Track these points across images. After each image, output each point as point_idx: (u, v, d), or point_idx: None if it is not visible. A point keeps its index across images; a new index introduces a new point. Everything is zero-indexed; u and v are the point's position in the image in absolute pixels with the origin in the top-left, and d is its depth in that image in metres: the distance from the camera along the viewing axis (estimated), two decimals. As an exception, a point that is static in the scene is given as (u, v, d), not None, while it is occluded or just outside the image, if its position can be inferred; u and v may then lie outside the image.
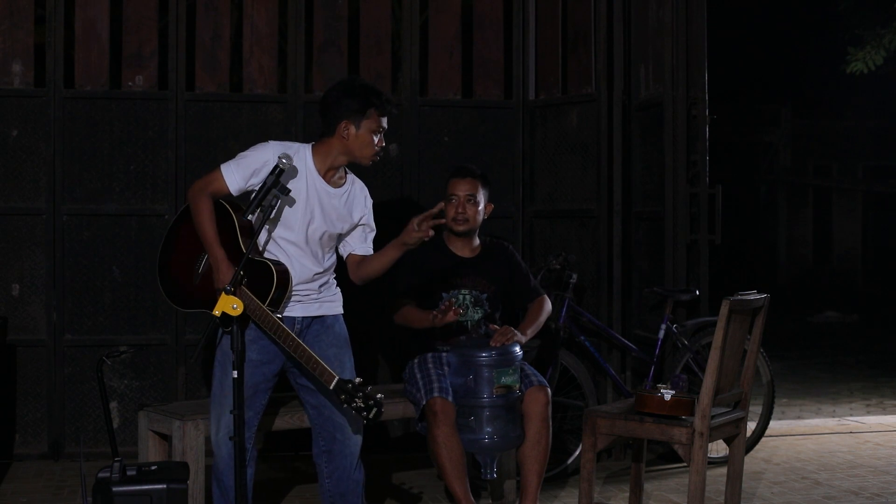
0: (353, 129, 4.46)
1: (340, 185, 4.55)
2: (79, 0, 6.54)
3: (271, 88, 6.68)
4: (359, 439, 4.55)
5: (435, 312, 5.03)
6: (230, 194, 4.41)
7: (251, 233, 4.38)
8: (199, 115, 6.59)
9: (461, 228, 5.35)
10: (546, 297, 5.55)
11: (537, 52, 7.08)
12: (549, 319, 6.19)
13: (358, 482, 4.59)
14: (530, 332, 5.31)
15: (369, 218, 4.68)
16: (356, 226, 4.61)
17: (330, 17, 6.79)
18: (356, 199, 4.61)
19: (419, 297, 5.36)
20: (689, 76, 6.48)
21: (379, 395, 4.11)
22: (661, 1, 6.57)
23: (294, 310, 4.44)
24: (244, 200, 4.46)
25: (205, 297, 4.38)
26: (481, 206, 5.38)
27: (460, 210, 5.33)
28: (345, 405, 4.13)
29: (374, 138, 4.49)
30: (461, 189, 5.34)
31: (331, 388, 4.16)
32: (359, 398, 4.10)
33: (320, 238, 4.47)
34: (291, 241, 4.43)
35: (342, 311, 4.65)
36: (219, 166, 4.41)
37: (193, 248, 4.47)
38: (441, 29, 6.98)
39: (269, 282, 4.29)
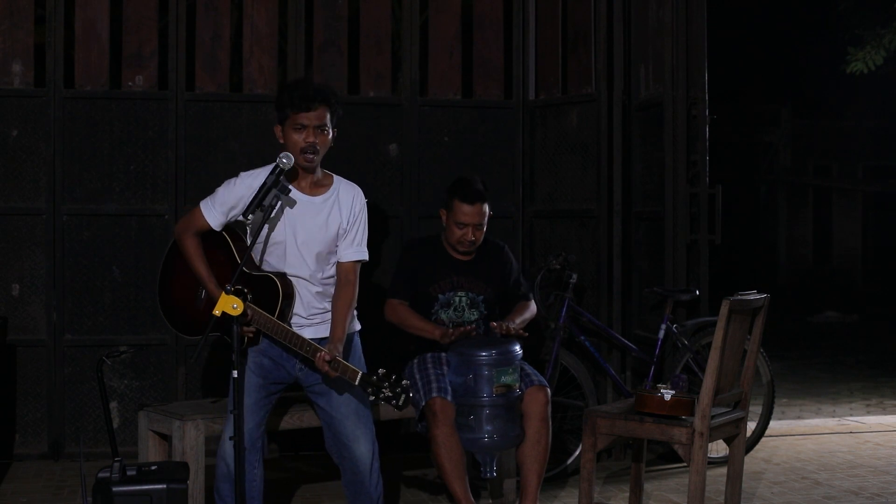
0: (280, 132, 4.44)
1: (321, 193, 4.48)
2: (79, 0, 6.54)
3: (271, 88, 6.67)
4: (368, 455, 4.53)
5: (450, 331, 5.04)
6: (213, 230, 4.48)
7: (250, 262, 4.41)
8: (199, 115, 6.59)
9: (465, 250, 5.36)
10: (533, 301, 5.56)
11: (537, 52, 7.08)
12: (549, 319, 6.22)
13: (372, 499, 4.58)
14: (519, 322, 5.32)
15: (357, 221, 4.52)
16: (345, 231, 4.50)
17: (330, 17, 6.79)
18: (340, 203, 4.49)
19: (415, 297, 5.36)
20: (689, 76, 6.48)
21: (405, 382, 4.18)
22: (661, 1, 6.57)
23: (303, 333, 4.39)
24: (242, 228, 4.50)
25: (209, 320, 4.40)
26: (485, 227, 5.37)
27: (469, 238, 5.30)
28: (371, 398, 4.18)
29: (297, 136, 4.36)
30: (470, 217, 5.27)
31: (356, 383, 4.19)
32: (386, 388, 4.16)
33: (311, 251, 4.43)
34: (284, 262, 4.43)
35: (356, 329, 4.64)
36: (198, 204, 4.50)
37: (192, 276, 4.52)
38: (441, 29, 6.97)
39: (276, 294, 4.32)
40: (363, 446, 4.51)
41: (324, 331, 4.46)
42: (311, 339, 4.35)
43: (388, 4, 6.93)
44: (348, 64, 6.85)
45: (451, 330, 5.13)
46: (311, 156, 4.37)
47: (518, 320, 5.32)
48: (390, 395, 4.16)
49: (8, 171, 6.45)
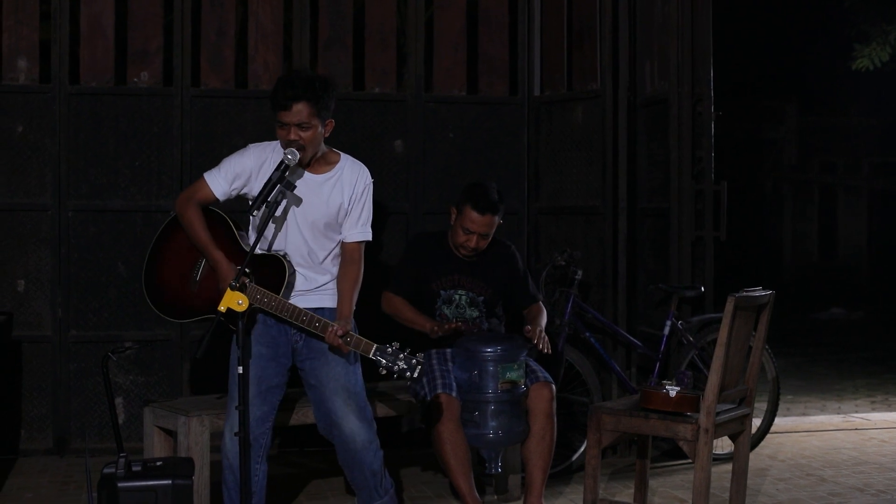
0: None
1: (325, 172, 4.52)
2: (84, -4, 6.55)
3: (276, 84, 6.66)
4: (359, 431, 4.52)
5: (434, 327, 5.05)
6: (217, 200, 4.51)
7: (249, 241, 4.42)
8: (204, 111, 6.59)
9: (466, 254, 5.36)
10: (542, 303, 5.56)
11: (542, 48, 7.07)
12: (554, 315, 6.23)
13: (374, 472, 4.58)
14: (541, 331, 5.35)
15: (360, 201, 4.56)
16: (347, 211, 4.53)
17: (335, 14, 6.79)
18: (343, 182, 4.53)
19: (415, 292, 5.37)
20: (694, 72, 6.47)
21: (419, 355, 4.24)
22: (667, -3, 6.56)
23: (296, 304, 4.43)
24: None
25: (205, 302, 4.42)
26: (491, 236, 5.37)
27: (472, 245, 5.31)
28: (383, 371, 4.23)
29: (281, 133, 4.39)
30: (477, 226, 5.27)
31: (370, 355, 4.24)
32: (401, 360, 4.20)
33: (310, 229, 4.47)
34: (283, 240, 4.45)
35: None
36: (202, 175, 4.51)
37: (185, 259, 4.55)
38: (446, 25, 6.97)
39: (281, 272, 4.34)
40: (352, 423, 4.52)
41: (313, 301, 4.49)
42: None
43: (392, 1, 6.93)
44: (353, 60, 6.85)
45: (437, 327, 5.12)
46: (296, 152, 4.36)
47: (539, 329, 5.32)
48: (405, 366, 4.21)
49: (13, 167, 6.45)
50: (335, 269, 4.58)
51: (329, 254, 4.55)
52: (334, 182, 4.51)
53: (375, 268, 5.65)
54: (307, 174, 4.47)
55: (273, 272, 4.36)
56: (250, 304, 4.19)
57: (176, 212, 4.56)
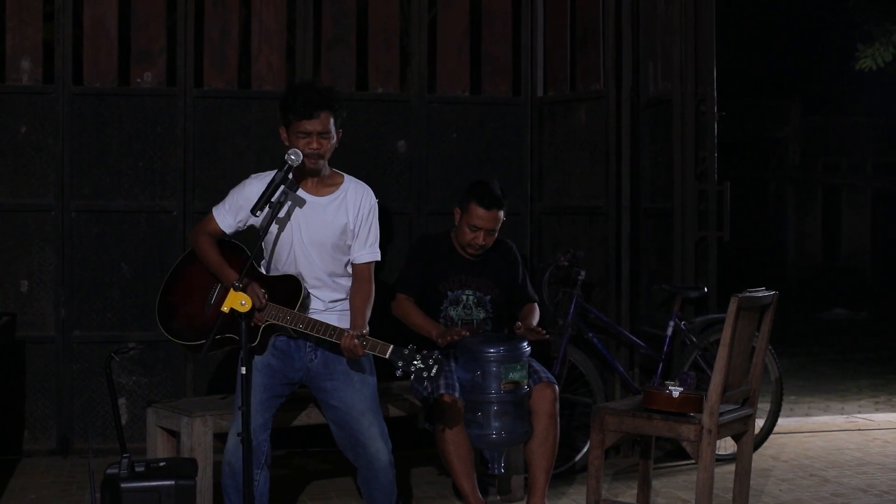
0: (285, 135, 4.46)
1: (328, 194, 4.52)
2: (87, -3, 6.55)
3: (280, 85, 6.66)
4: (384, 450, 4.51)
5: (443, 334, 5.01)
6: (225, 234, 4.55)
7: (264, 265, 4.48)
8: (207, 112, 6.59)
9: (474, 252, 5.36)
10: (536, 303, 5.56)
11: (546, 49, 7.07)
12: (557, 315, 6.22)
13: (393, 492, 4.58)
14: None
15: (366, 224, 4.57)
16: (353, 232, 4.54)
17: (338, 14, 6.79)
18: (348, 204, 4.53)
19: (424, 293, 5.36)
20: (697, 73, 6.47)
21: (436, 354, 4.23)
22: (670, -3, 6.56)
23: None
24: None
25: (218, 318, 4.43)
26: (497, 233, 5.37)
27: (480, 242, 5.31)
28: (399, 372, 4.21)
29: (302, 143, 4.38)
30: (484, 222, 5.27)
31: (387, 356, 4.23)
32: (418, 360, 4.19)
33: (317, 251, 4.48)
34: (292, 263, 4.46)
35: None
36: (211, 210, 4.59)
37: (199, 286, 4.58)
38: (449, 25, 6.97)
39: (297, 291, 4.36)
40: (379, 442, 4.51)
41: (324, 319, 4.47)
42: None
43: (396, 1, 6.92)
44: (357, 61, 6.85)
45: (445, 333, 5.08)
46: (316, 160, 4.41)
47: (534, 324, 5.34)
48: (422, 366, 4.18)
49: (17, 168, 6.46)
50: (346, 288, 4.59)
51: (339, 273, 4.56)
52: (339, 203, 4.52)
53: (379, 270, 5.65)
54: (311, 197, 4.48)
55: (288, 292, 4.38)
56: (253, 308, 4.18)
57: (190, 243, 4.63)
